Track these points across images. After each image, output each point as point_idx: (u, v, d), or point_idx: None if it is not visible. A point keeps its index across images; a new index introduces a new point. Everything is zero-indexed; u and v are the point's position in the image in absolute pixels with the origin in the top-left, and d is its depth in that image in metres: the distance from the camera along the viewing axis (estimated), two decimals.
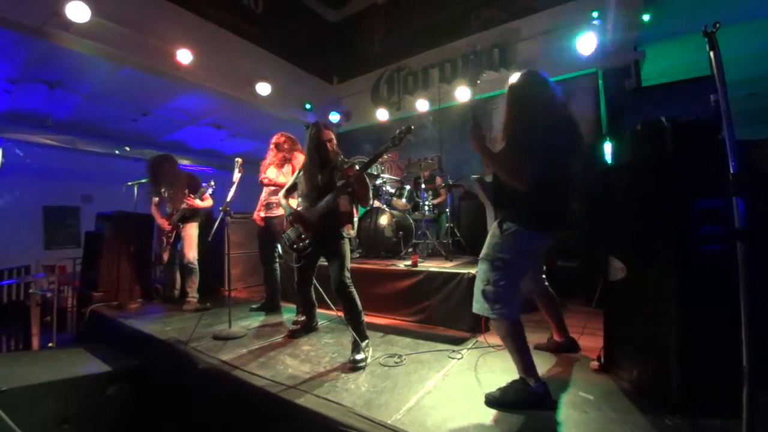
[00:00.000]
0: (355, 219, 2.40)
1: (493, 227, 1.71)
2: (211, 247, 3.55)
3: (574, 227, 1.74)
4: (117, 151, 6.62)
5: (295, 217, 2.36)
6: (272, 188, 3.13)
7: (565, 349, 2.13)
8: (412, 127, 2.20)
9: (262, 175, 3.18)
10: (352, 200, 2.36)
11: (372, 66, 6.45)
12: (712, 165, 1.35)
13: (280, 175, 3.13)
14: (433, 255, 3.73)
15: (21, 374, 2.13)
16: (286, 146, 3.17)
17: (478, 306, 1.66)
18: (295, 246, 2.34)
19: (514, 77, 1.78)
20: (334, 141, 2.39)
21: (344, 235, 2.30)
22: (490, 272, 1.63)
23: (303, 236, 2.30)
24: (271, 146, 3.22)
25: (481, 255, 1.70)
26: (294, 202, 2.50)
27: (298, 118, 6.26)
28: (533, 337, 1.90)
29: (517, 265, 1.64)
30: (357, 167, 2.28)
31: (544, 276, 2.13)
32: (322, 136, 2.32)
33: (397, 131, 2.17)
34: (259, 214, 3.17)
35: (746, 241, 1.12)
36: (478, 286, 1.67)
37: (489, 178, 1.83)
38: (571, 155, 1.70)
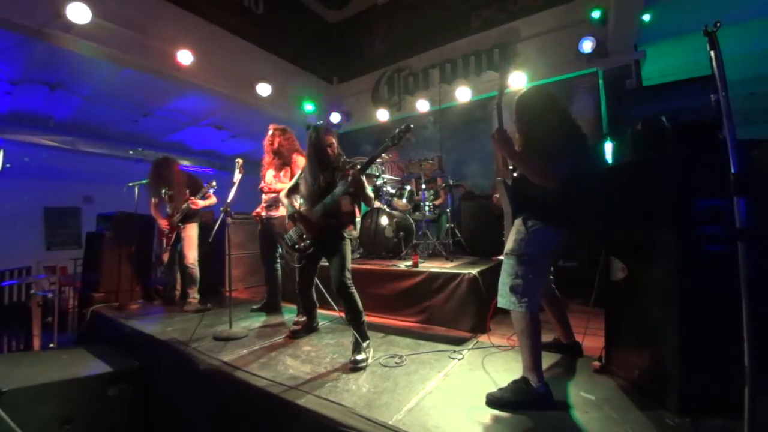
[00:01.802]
0: (358, 219, 2.39)
1: (516, 224, 1.76)
2: (211, 247, 3.55)
3: (586, 225, 1.80)
4: (118, 152, 6.63)
5: (296, 217, 2.36)
6: (272, 195, 3.08)
7: (568, 351, 2.13)
8: (411, 125, 2.20)
9: (262, 183, 3.14)
10: (354, 201, 2.35)
11: (372, 66, 6.45)
12: (713, 165, 1.35)
13: (278, 181, 3.08)
14: (433, 255, 3.73)
15: (22, 375, 2.13)
16: (284, 151, 3.06)
17: (504, 300, 1.70)
18: (296, 246, 2.34)
19: (525, 90, 1.91)
20: (335, 145, 2.38)
21: (346, 235, 2.30)
22: (518, 266, 1.67)
23: (305, 237, 2.31)
24: (268, 151, 3.09)
25: (507, 250, 1.75)
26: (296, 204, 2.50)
27: (298, 119, 6.27)
28: None
29: (542, 260, 1.71)
30: (359, 167, 2.29)
31: (552, 277, 2.13)
32: (323, 141, 2.31)
33: (397, 130, 2.16)
34: (261, 214, 3.16)
35: (747, 241, 1.12)
36: (504, 281, 1.71)
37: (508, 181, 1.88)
38: (582, 156, 1.78)
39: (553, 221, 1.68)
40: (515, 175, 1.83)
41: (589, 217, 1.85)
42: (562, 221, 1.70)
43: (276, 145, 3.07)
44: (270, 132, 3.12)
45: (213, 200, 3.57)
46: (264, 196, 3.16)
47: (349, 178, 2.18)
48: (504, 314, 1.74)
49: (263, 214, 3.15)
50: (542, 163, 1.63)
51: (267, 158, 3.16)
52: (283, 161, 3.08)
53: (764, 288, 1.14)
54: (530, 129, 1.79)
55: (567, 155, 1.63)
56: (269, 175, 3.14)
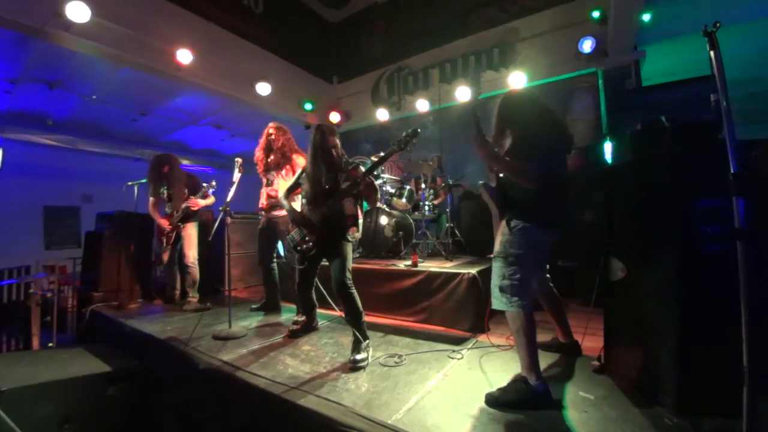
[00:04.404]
0: (360, 221, 2.38)
1: (501, 226, 1.77)
2: (211, 247, 3.55)
3: (572, 224, 1.82)
4: (117, 151, 6.63)
5: (299, 219, 2.35)
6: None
7: (567, 350, 2.13)
8: (419, 130, 2.14)
9: (265, 182, 3.11)
10: (357, 202, 2.35)
11: (372, 66, 6.45)
12: (713, 165, 1.35)
13: (282, 180, 3.06)
14: (433, 255, 3.73)
15: (21, 374, 2.12)
16: (286, 151, 3.04)
17: (497, 302, 1.72)
18: (298, 248, 2.33)
19: (509, 91, 1.98)
20: (339, 146, 2.36)
21: (349, 238, 2.29)
22: (505, 268, 1.69)
23: (307, 239, 2.30)
24: (268, 148, 3.05)
25: (494, 253, 1.77)
26: (297, 204, 2.49)
27: (297, 118, 6.27)
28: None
29: (529, 259, 1.72)
30: (361, 168, 2.27)
31: (548, 276, 2.13)
32: (327, 143, 2.29)
33: (404, 134, 2.12)
34: (263, 211, 3.13)
35: (746, 241, 1.12)
36: (495, 283, 1.73)
37: (491, 183, 1.90)
38: (564, 156, 1.83)
39: (535, 220, 1.69)
40: (501, 176, 1.85)
41: (570, 216, 1.87)
42: (544, 219, 1.71)
43: (279, 144, 3.05)
44: (271, 130, 3.09)
45: (212, 200, 3.56)
46: (265, 192, 3.14)
47: (358, 180, 2.16)
48: (503, 314, 1.75)
49: (263, 214, 3.13)
50: (520, 164, 1.65)
51: (260, 154, 3.10)
52: (284, 160, 3.06)
53: (763, 288, 1.15)
54: (510, 130, 1.81)
55: (544, 155, 1.64)
56: (271, 175, 3.11)
